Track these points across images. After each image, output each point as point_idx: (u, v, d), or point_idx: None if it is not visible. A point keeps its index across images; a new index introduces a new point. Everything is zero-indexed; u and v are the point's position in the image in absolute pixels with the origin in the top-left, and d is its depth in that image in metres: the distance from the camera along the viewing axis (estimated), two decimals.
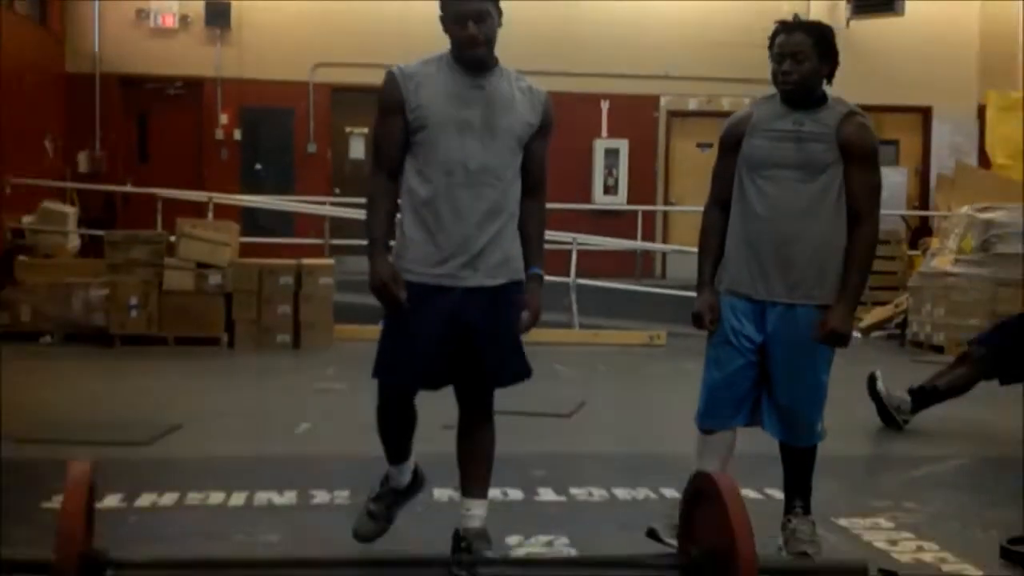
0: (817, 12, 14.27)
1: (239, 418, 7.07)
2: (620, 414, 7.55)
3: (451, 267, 3.64)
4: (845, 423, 6.48)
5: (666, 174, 15.68)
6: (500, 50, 3.70)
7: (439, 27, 3.69)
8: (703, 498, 3.17)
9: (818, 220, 3.90)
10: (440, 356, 3.66)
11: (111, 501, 4.67)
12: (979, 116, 15.88)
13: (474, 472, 3.80)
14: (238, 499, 4.78)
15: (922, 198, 16.07)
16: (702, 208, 4.17)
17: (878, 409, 6.83)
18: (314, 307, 10.60)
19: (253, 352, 10.32)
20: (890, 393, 6.83)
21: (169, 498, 4.77)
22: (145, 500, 4.73)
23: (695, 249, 4.23)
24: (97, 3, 14.29)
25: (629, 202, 15.24)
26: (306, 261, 10.96)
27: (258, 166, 14.87)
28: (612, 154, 15.30)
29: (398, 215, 3.76)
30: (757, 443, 4.21)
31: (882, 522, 4.57)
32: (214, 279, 10.52)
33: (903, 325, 12.11)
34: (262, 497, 4.81)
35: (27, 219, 11.69)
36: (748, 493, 4.39)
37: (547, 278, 3.86)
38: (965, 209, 11.77)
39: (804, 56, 3.88)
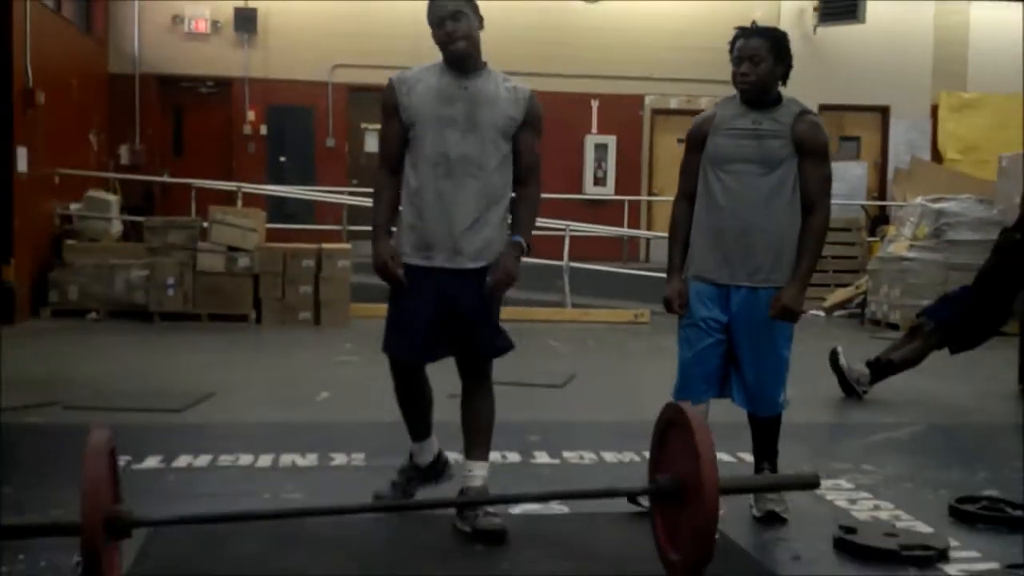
0: (787, 20, 14.25)
1: (265, 387, 7.09)
2: (608, 385, 7.57)
3: (437, 251, 3.66)
4: (810, 394, 6.50)
5: (650, 167, 15.63)
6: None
7: None
8: (673, 427, 3.14)
9: (775, 210, 3.89)
10: (432, 331, 3.68)
11: (151, 462, 4.69)
12: (932, 115, 15.92)
13: (476, 438, 3.81)
14: (265, 461, 4.80)
15: (881, 189, 16.05)
16: None
17: (840, 381, 6.85)
18: (333, 287, 10.61)
19: (278, 328, 10.34)
20: (851, 367, 6.84)
21: (203, 460, 4.78)
22: (182, 461, 4.74)
23: None
24: (137, 9, 14.23)
25: (617, 192, 15.20)
26: (326, 245, 10.95)
27: (282, 159, 14.80)
28: (601, 148, 15.24)
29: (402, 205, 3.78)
30: (728, 413, 4.21)
31: (843, 483, 4.58)
32: (243, 261, 10.53)
33: (863, 305, 12.13)
34: (286, 459, 4.82)
35: (74, 206, 11.68)
36: (722, 456, 4.40)
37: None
38: (919, 200, 11.78)
39: (760, 59, 3.87)
